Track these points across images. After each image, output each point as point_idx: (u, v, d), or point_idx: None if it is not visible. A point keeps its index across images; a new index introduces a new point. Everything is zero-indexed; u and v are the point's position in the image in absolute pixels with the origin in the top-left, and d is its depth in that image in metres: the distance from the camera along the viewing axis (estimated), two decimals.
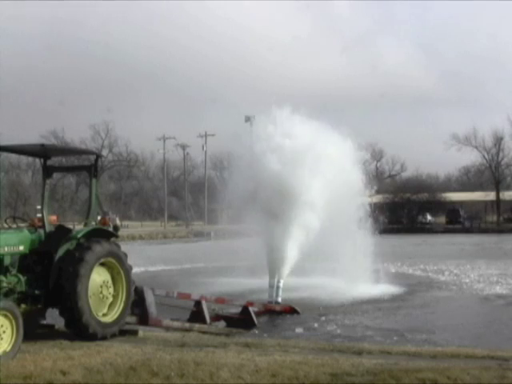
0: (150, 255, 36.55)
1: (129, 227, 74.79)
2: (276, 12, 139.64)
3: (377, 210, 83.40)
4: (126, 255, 10.17)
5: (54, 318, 10.23)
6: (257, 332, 13.72)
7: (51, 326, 10.42)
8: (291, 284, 18.39)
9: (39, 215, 11.06)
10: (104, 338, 9.53)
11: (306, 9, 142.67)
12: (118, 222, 60.73)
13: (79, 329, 9.35)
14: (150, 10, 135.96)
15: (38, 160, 11.28)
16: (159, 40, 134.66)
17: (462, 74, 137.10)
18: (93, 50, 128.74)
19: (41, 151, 10.25)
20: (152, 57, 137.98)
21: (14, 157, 67.30)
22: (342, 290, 19.27)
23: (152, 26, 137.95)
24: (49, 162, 10.41)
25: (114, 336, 9.79)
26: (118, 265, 9.93)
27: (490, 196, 78.88)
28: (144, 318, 11.34)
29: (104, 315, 9.77)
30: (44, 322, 10.28)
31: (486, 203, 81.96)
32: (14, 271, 9.09)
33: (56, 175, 11.42)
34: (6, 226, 9.87)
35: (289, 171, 18.75)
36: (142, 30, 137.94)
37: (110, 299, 9.91)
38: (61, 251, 9.43)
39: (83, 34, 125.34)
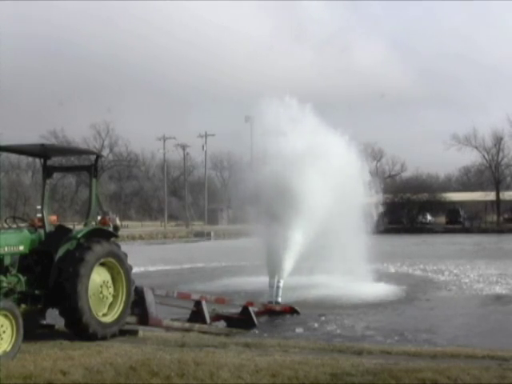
0: (149, 255, 36.57)
1: (129, 227, 74.81)
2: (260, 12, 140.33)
3: (382, 209, 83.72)
4: (126, 255, 10.16)
5: (53, 318, 10.22)
6: (257, 332, 13.73)
7: (51, 326, 10.42)
8: (291, 284, 18.37)
9: (39, 215, 11.06)
10: (104, 338, 9.52)
11: (286, 9, 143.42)
12: (118, 222, 60.71)
13: (79, 329, 9.35)
14: (149, 13, 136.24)
15: (37, 160, 11.28)
16: (157, 42, 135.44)
17: (438, 73, 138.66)
18: (92, 52, 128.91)
19: (41, 151, 10.25)
20: (152, 58, 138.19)
21: (13, 157, 67.50)
22: (341, 290, 19.28)
23: (150, 28, 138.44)
24: (49, 162, 10.40)
25: (114, 336, 9.79)
26: (118, 265, 9.93)
27: (490, 196, 78.88)
28: (144, 318, 11.34)
29: (104, 315, 9.76)
30: (44, 322, 10.28)
31: (486, 203, 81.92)
32: (14, 271, 9.08)
33: (56, 175, 11.44)
34: (6, 225, 9.86)
35: (289, 171, 18.75)
36: (140, 32, 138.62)
37: (110, 299, 9.91)
38: (61, 251, 9.42)
39: (82, 37, 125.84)
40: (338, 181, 19.63)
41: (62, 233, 9.71)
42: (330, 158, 19.90)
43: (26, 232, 9.48)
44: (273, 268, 18.20)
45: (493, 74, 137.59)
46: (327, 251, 19.45)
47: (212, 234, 63.53)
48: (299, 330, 14.19)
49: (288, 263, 18.28)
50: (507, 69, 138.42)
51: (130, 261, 10.26)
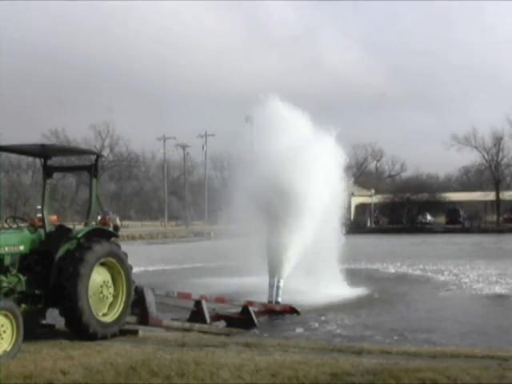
0: (149, 255, 36.58)
1: (129, 227, 74.88)
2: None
3: (377, 210, 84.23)
4: (126, 255, 10.17)
5: (54, 317, 10.23)
6: (257, 332, 13.71)
7: (51, 326, 10.42)
8: (292, 285, 18.34)
9: (39, 215, 11.07)
10: (104, 338, 9.53)
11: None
12: (118, 221, 60.75)
13: (79, 329, 9.36)
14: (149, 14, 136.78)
15: (38, 160, 11.29)
16: (157, 42, 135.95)
17: (411, 71, 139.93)
18: (92, 51, 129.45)
19: (41, 151, 10.26)
20: (151, 58, 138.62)
21: (14, 157, 67.46)
22: (341, 289, 19.27)
23: (150, 30, 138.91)
24: (49, 162, 10.41)
25: (114, 336, 9.80)
26: (118, 265, 9.94)
27: (490, 196, 78.89)
28: (144, 318, 11.34)
29: (104, 315, 9.77)
30: (44, 321, 10.28)
31: (485, 203, 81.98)
32: (14, 271, 9.09)
33: (56, 175, 11.44)
34: (6, 225, 9.87)
35: (289, 171, 18.73)
36: (138, 33, 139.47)
37: (110, 299, 9.92)
38: (61, 251, 9.43)
39: (81, 37, 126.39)
40: (328, 180, 19.62)
41: (62, 233, 9.73)
42: (324, 157, 19.85)
43: (26, 232, 9.49)
44: (273, 268, 18.17)
45: (468, 73, 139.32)
46: (324, 251, 19.40)
47: (212, 233, 63.52)
48: (299, 329, 14.18)
49: (288, 263, 18.25)
50: (485, 70, 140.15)
51: (130, 261, 10.27)
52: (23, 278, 9.14)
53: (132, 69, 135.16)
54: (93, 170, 10.21)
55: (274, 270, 17.99)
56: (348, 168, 21.97)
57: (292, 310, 16.21)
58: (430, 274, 26.36)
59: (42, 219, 9.84)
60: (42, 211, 10.10)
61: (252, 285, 19.30)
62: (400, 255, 34.65)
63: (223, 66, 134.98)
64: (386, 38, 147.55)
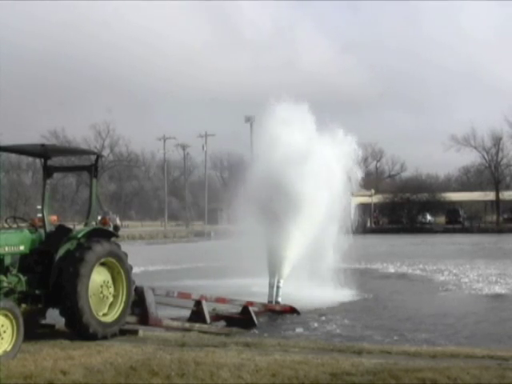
0: (150, 255, 36.59)
1: (129, 227, 74.97)
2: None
3: (377, 210, 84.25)
4: (126, 255, 10.17)
5: (54, 317, 10.24)
6: (257, 332, 13.72)
7: (51, 326, 10.43)
8: (292, 285, 18.34)
9: (40, 215, 11.09)
10: (104, 338, 9.54)
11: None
12: (118, 221, 60.81)
13: (79, 329, 9.36)
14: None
15: (38, 160, 11.34)
16: (155, 44, 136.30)
17: (394, 71, 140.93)
18: (92, 51, 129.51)
19: (41, 151, 10.27)
20: (150, 58, 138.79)
21: (14, 157, 67.47)
22: (341, 289, 19.27)
23: (150, 30, 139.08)
24: (49, 162, 10.43)
25: (114, 336, 9.80)
26: (118, 265, 9.94)
27: (490, 196, 78.94)
28: (144, 318, 11.35)
29: (104, 315, 9.78)
30: (44, 321, 10.29)
31: (485, 203, 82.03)
32: (14, 271, 9.10)
33: (56, 175, 11.45)
34: (6, 225, 9.88)
35: (289, 171, 18.73)
36: (138, 34, 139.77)
37: (111, 299, 9.92)
38: (61, 251, 9.43)
39: (82, 37, 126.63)
40: (328, 180, 19.60)
41: (62, 233, 9.73)
42: (322, 157, 19.82)
43: (26, 232, 9.49)
44: (273, 268, 18.17)
45: (464, 74, 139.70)
46: (322, 251, 19.40)
47: (212, 234, 63.55)
48: (299, 329, 14.19)
49: (288, 263, 18.25)
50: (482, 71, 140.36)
51: (130, 261, 10.27)
52: (23, 278, 9.14)
53: (129, 71, 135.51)
54: (93, 170, 10.21)
55: (274, 270, 18.00)
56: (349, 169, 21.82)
57: (292, 310, 16.23)
58: (429, 273, 26.40)
59: (42, 219, 9.85)
60: (42, 211, 10.11)
61: (252, 285, 19.32)
62: (400, 255, 34.67)
63: (207, 67, 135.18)
64: (365, 38, 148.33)
